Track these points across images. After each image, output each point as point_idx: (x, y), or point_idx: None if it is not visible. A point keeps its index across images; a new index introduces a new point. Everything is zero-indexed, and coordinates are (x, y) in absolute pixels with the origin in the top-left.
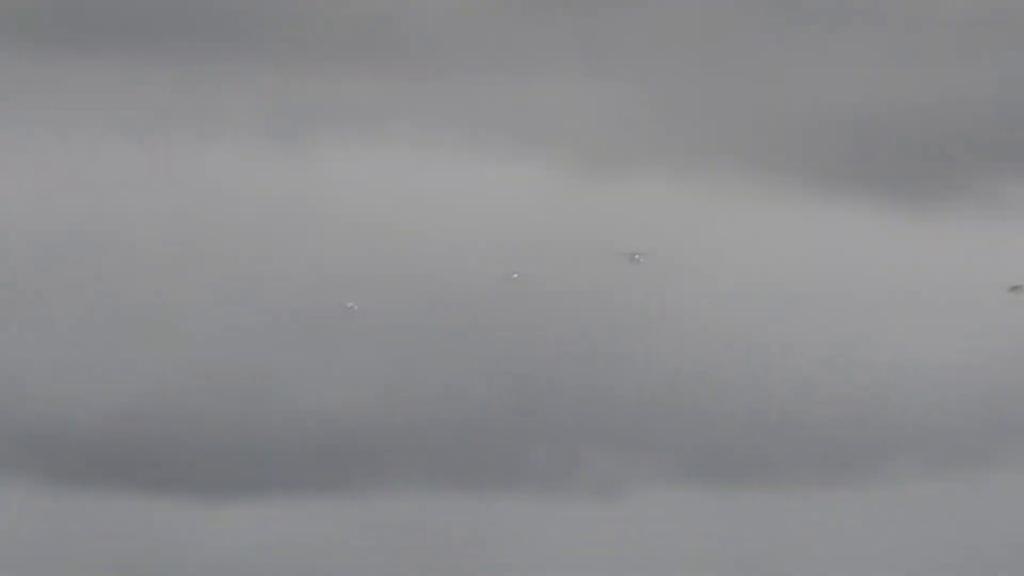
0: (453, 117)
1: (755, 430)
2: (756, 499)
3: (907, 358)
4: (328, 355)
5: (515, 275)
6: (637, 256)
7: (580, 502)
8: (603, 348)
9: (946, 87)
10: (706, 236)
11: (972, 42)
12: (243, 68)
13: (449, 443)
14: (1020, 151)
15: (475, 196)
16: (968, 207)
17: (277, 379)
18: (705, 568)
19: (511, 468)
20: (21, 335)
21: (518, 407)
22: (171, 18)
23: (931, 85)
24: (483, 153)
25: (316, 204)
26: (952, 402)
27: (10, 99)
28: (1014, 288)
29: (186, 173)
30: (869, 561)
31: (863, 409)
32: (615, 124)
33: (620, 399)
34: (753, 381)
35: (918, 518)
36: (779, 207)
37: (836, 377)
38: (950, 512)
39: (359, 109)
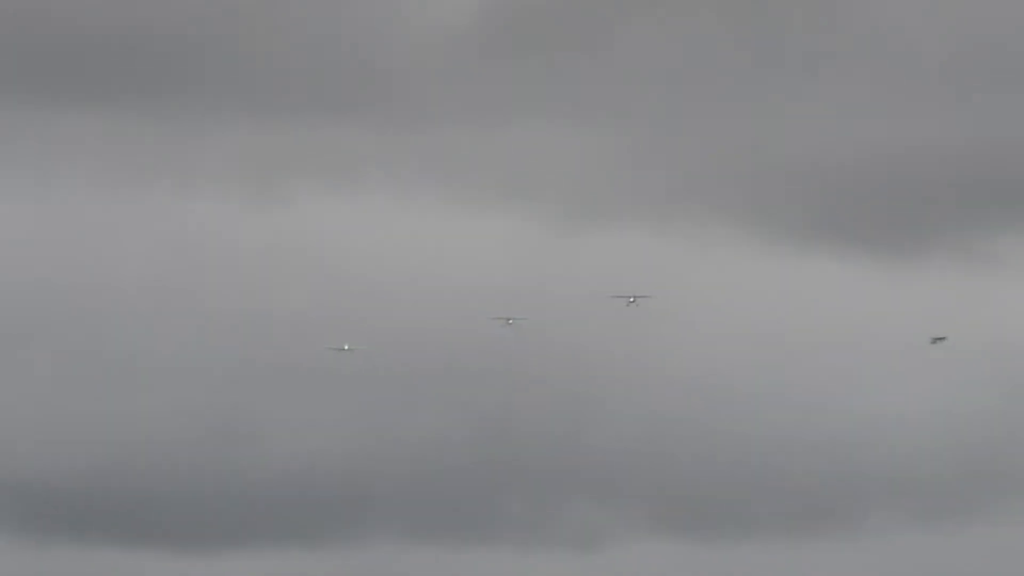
0: (431, 168)
1: (733, 480)
2: (734, 549)
3: (888, 409)
4: (305, 405)
5: (512, 320)
6: (631, 299)
7: (557, 552)
8: (581, 398)
9: (924, 137)
10: (685, 285)
11: (951, 91)
12: (221, 119)
13: (426, 493)
14: (1004, 201)
15: (453, 247)
16: (945, 257)
17: (254, 430)
18: None
19: (488, 518)
20: None
21: (495, 457)
22: (150, 70)
23: (909, 135)
24: (461, 204)
25: (293, 254)
26: (933, 453)
27: None
28: (936, 340)
29: (164, 223)
30: None
31: (843, 459)
32: (594, 174)
33: (598, 449)
34: (732, 431)
35: (898, 569)
36: (759, 256)
37: (816, 427)
38: (930, 563)
39: (337, 160)
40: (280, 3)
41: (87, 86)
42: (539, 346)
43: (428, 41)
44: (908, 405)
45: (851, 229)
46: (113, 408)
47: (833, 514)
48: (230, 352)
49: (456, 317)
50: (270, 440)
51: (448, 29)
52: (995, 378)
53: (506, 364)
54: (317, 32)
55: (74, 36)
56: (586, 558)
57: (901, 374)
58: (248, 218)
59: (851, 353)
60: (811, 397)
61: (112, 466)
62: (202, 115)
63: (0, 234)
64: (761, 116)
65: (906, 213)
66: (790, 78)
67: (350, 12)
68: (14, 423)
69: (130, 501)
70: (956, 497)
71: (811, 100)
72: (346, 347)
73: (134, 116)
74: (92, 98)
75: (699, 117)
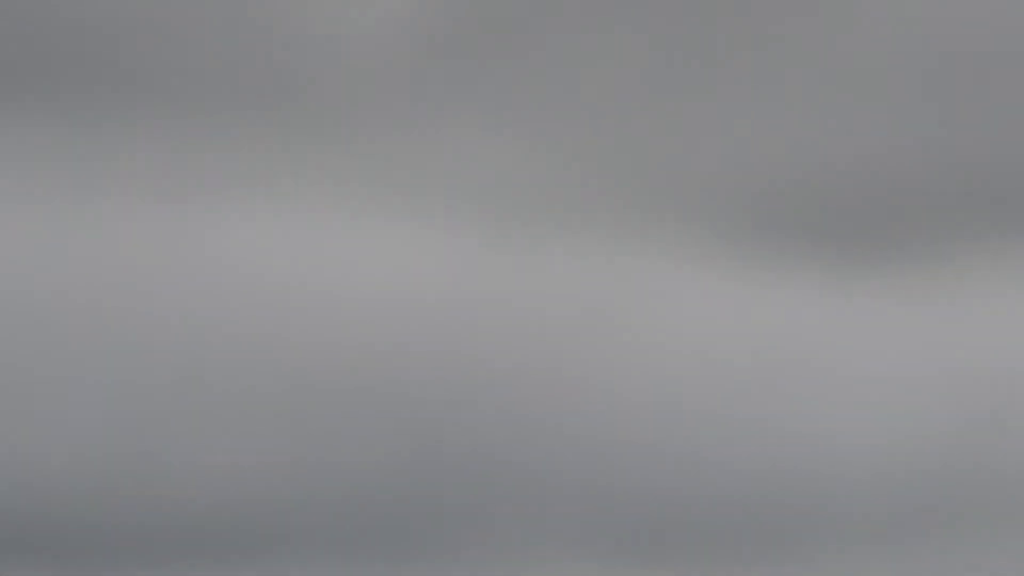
0: (352, 177)
1: (677, 505)
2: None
3: (848, 431)
4: (226, 426)
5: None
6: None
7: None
8: (516, 419)
9: (893, 144)
10: (639, 300)
11: (920, 98)
12: (139, 127)
13: (351, 519)
14: (969, 212)
15: (381, 259)
16: (913, 270)
17: (182, 448)
18: None
19: (419, 545)
20: None
21: (426, 480)
22: (66, 75)
23: (877, 142)
24: (389, 215)
25: (214, 269)
26: (888, 477)
27: None
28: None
29: (78, 235)
30: None
31: (790, 484)
32: (524, 183)
33: (535, 474)
34: (674, 454)
35: None
36: (716, 268)
37: (761, 451)
38: None
39: (257, 170)
40: (202, 5)
41: None
42: (478, 362)
43: (355, 49)
44: (865, 426)
45: (806, 241)
46: (26, 429)
47: (778, 542)
48: (148, 369)
49: (388, 332)
50: (189, 464)
51: (376, 37)
52: (959, 400)
53: (440, 382)
54: (238, 40)
55: None
56: None
57: (854, 397)
58: (164, 229)
59: (803, 370)
60: (756, 419)
61: (27, 489)
62: (115, 124)
63: None
64: (716, 122)
65: (870, 225)
66: (746, 83)
67: (274, 15)
68: None
69: (49, 525)
70: (914, 525)
71: (766, 106)
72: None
73: (46, 124)
74: (4, 104)
75: (652, 125)
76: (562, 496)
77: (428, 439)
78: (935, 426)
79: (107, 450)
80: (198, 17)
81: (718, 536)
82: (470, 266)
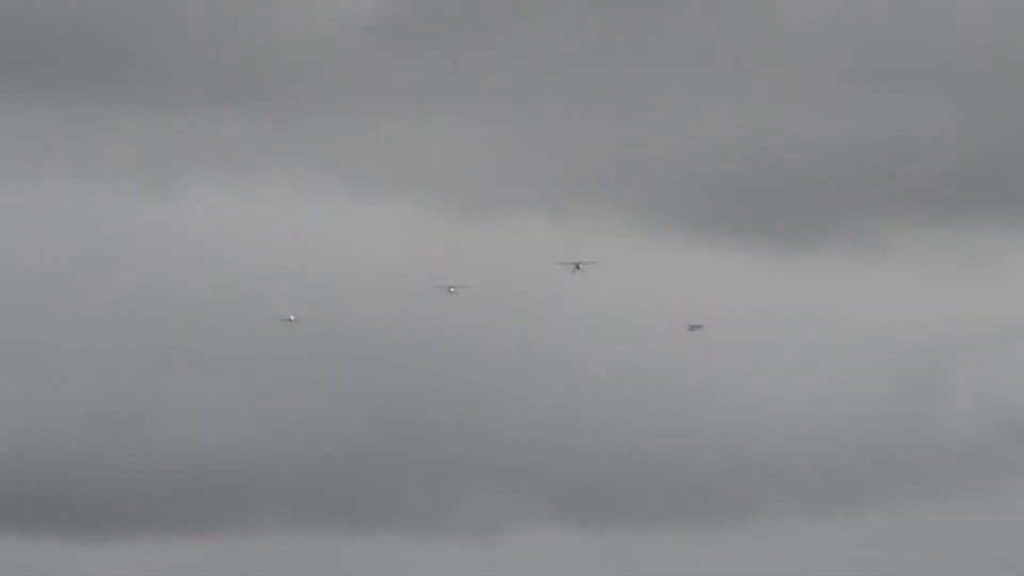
0: (324, 158)
1: (630, 470)
2: (632, 538)
3: (780, 398)
4: (198, 392)
5: (454, 289)
6: (577, 266)
7: (456, 540)
8: (478, 386)
9: (821, 128)
10: (579, 277)
11: (847, 83)
12: (116, 108)
13: (321, 480)
14: (893, 192)
15: (345, 236)
16: (840, 250)
17: (146, 417)
18: None
19: (386, 505)
20: None
21: (393, 444)
22: (44, 60)
23: (806, 126)
24: (353, 194)
25: (187, 242)
26: (824, 443)
27: None
28: (693, 327)
29: (60, 210)
30: None
31: (736, 449)
32: (488, 165)
33: (496, 437)
34: (627, 420)
35: (790, 557)
36: (653, 246)
37: (709, 418)
38: (821, 554)
39: (229, 150)
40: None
41: None
42: (438, 333)
43: (325, 31)
44: (801, 396)
45: (745, 220)
46: (7, 395)
47: (727, 504)
48: (121, 340)
49: (353, 305)
50: (158, 426)
51: (346, 19)
52: (888, 369)
53: (403, 352)
54: (213, 21)
55: None
56: (485, 545)
57: (794, 364)
58: (143, 207)
59: (744, 344)
60: (704, 387)
61: (6, 451)
62: (97, 105)
63: None
64: (658, 107)
65: (801, 205)
66: (687, 70)
67: (248, 3)
68: None
69: (21, 490)
70: (847, 487)
71: (708, 92)
72: (291, 318)
73: (29, 105)
74: None
75: (596, 110)
76: (525, 461)
77: (402, 408)
78: (873, 392)
79: (84, 414)
80: (177, 8)
81: (674, 497)
82: (432, 241)
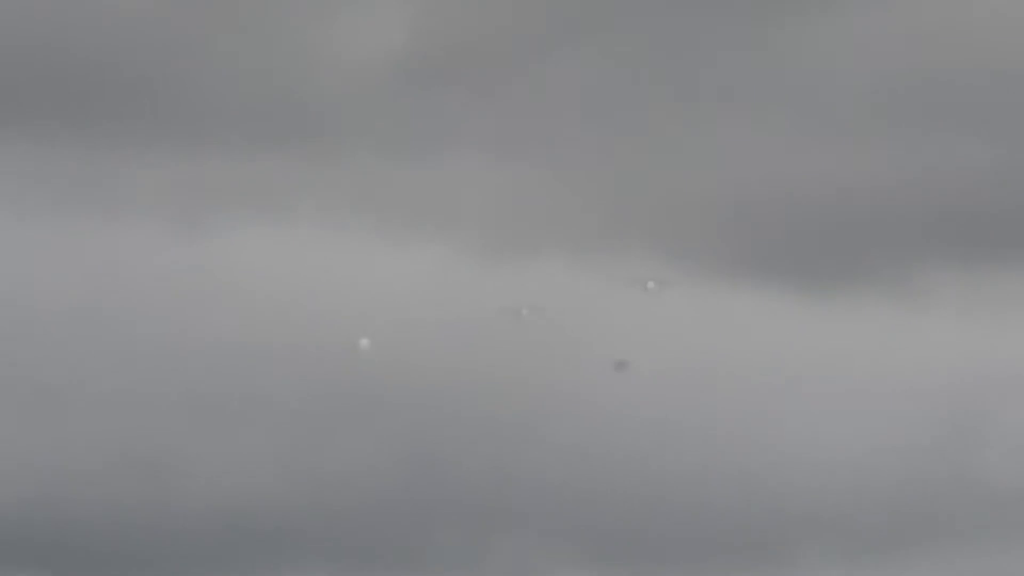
0: (357, 200)
1: (665, 514)
2: None
3: (818, 444)
4: (229, 436)
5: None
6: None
7: None
8: (510, 430)
9: (853, 169)
10: (610, 319)
11: (879, 123)
12: (147, 149)
13: (351, 527)
14: (929, 236)
15: (378, 279)
16: (876, 293)
17: (177, 461)
18: None
19: (416, 553)
20: None
21: (423, 489)
22: (76, 98)
23: (838, 167)
24: (386, 236)
25: (218, 285)
26: (860, 490)
27: None
28: (619, 364)
29: (91, 253)
30: None
31: (773, 495)
32: (518, 206)
33: (528, 482)
34: (661, 465)
35: None
36: (684, 291)
37: (745, 462)
38: None
39: (261, 191)
40: (209, 33)
41: (13, 113)
42: (472, 375)
43: (356, 73)
44: (839, 442)
45: (780, 264)
46: (35, 438)
47: (763, 550)
48: (155, 383)
49: (384, 347)
50: (193, 472)
51: (376, 61)
52: (928, 414)
53: (436, 395)
54: (246, 63)
55: None
56: None
57: (831, 409)
58: (176, 249)
59: (780, 388)
60: (740, 433)
61: (33, 496)
62: (127, 146)
63: None
64: (688, 150)
65: (837, 249)
66: (719, 112)
67: (279, 43)
68: None
69: (50, 536)
70: (884, 536)
71: (740, 134)
72: (364, 344)
73: (63, 144)
74: (18, 125)
75: (627, 151)
76: (556, 506)
77: (424, 450)
78: (910, 438)
79: (111, 459)
80: (206, 49)
81: (708, 544)
82: (463, 284)
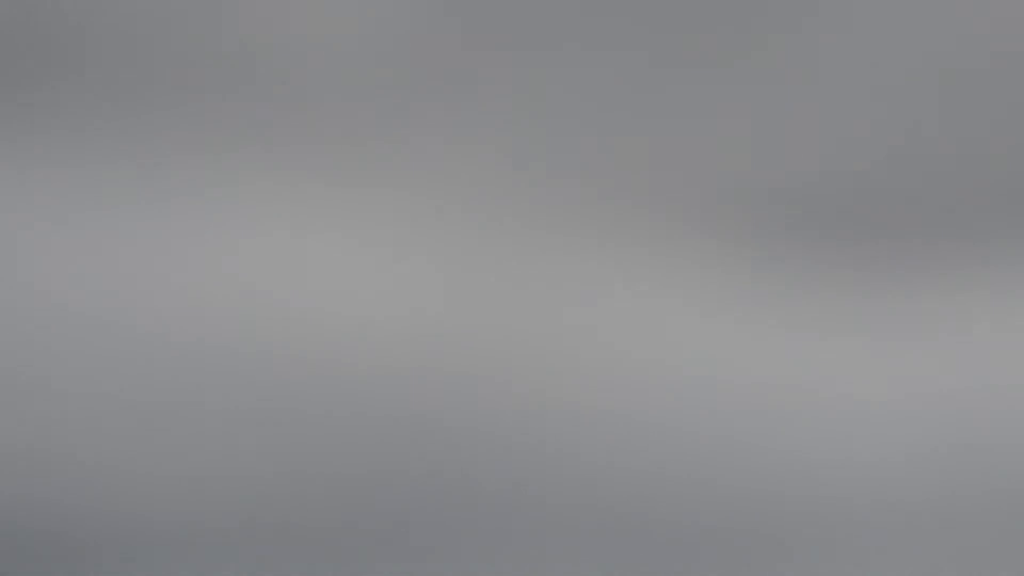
0: (345, 183)
1: (687, 531)
2: None
3: (846, 454)
4: (221, 433)
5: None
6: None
7: None
8: (515, 437)
9: (886, 150)
10: (629, 315)
11: (917, 104)
12: (126, 133)
13: (346, 529)
14: (972, 223)
15: (369, 267)
16: (918, 283)
17: (169, 460)
18: None
19: (416, 552)
20: None
21: (418, 495)
22: (62, 82)
23: (870, 148)
24: (378, 221)
25: (198, 273)
26: (893, 502)
27: None
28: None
29: (66, 243)
30: None
31: (800, 509)
32: (520, 191)
33: (535, 494)
34: (685, 478)
35: None
36: (710, 285)
37: (771, 475)
38: None
39: (246, 176)
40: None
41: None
42: (465, 376)
43: (348, 52)
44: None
45: (815, 262)
46: (11, 431)
47: (784, 565)
48: (132, 378)
49: (377, 343)
50: (177, 471)
51: (371, 39)
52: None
53: (429, 397)
54: (230, 44)
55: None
56: None
57: (859, 420)
58: (149, 234)
59: (809, 397)
60: (765, 443)
61: (9, 497)
62: (104, 130)
63: None
64: (716, 132)
65: (873, 242)
66: (751, 90)
67: (262, 23)
68: None
69: (28, 530)
70: (913, 548)
71: (772, 113)
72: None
73: (38, 131)
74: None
75: (649, 129)
76: (552, 518)
77: (412, 455)
78: (934, 449)
79: (95, 460)
80: (190, 24)
81: (716, 561)
82: (458, 276)
